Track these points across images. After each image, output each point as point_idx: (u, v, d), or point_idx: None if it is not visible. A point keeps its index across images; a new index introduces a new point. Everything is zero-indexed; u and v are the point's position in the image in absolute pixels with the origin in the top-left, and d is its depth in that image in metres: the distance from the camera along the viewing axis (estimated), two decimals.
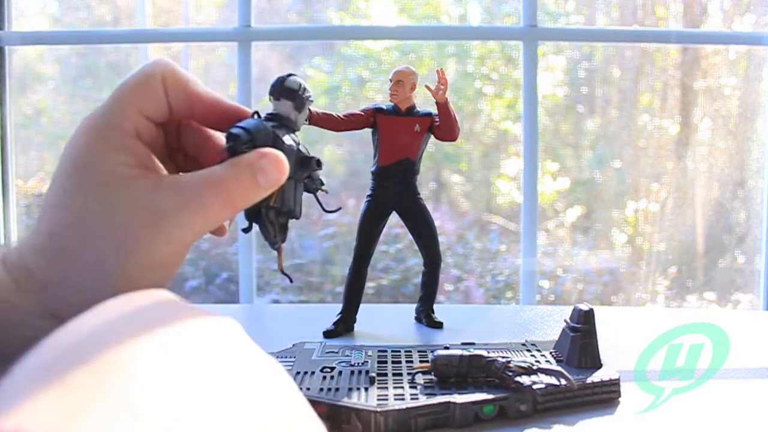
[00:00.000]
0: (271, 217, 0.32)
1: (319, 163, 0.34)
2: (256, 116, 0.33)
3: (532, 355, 0.58)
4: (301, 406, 0.21)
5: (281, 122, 0.34)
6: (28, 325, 0.27)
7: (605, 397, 0.52)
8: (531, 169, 1.51)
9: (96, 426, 0.15)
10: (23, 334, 0.27)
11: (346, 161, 1.63)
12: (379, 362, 0.57)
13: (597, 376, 0.53)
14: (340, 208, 0.43)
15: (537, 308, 0.92)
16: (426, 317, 0.78)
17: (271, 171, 0.29)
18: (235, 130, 0.30)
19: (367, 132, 0.77)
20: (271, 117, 0.34)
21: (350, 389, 0.50)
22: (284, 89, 0.35)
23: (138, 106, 0.29)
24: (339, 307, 0.77)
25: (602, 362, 0.56)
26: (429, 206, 0.80)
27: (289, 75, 0.36)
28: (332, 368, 0.55)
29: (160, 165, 0.31)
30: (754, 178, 1.62)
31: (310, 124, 0.74)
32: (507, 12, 1.68)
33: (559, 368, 0.51)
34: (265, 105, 0.38)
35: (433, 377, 0.53)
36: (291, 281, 0.38)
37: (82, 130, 0.29)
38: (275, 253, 0.34)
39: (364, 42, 1.67)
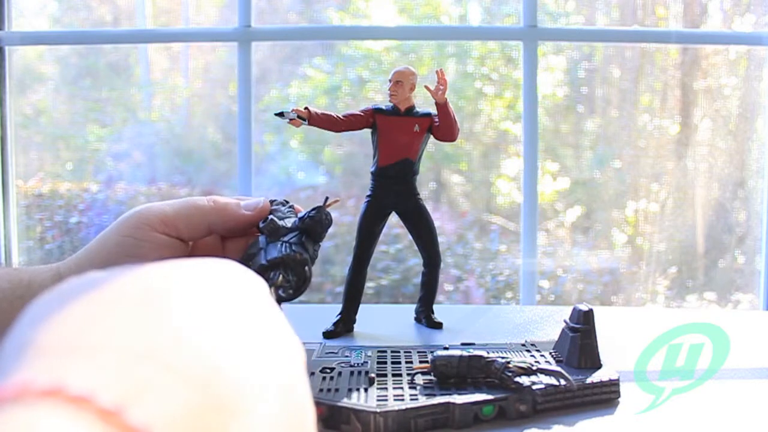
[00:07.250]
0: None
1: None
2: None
3: (531, 356, 0.58)
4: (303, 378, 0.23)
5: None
6: None
7: (605, 397, 0.52)
8: (531, 169, 1.51)
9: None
10: None
11: (346, 161, 1.63)
12: (378, 363, 0.57)
13: (597, 377, 0.53)
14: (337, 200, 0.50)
15: (537, 308, 0.92)
16: (426, 317, 0.78)
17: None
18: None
19: (367, 132, 0.77)
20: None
21: (350, 390, 0.50)
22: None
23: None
24: (339, 307, 0.77)
25: (602, 362, 0.56)
26: (429, 206, 0.79)
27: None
28: (332, 369, 0.55)
29: None
30: (754, 178, 1.62)
31: (309, 124, 0.73)
32: (507, 12, 1.68)
33: (558, 368, 0.51)
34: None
35: (432, 378, 0.52)
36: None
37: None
38: None
39: (364, 42, 1.67)
